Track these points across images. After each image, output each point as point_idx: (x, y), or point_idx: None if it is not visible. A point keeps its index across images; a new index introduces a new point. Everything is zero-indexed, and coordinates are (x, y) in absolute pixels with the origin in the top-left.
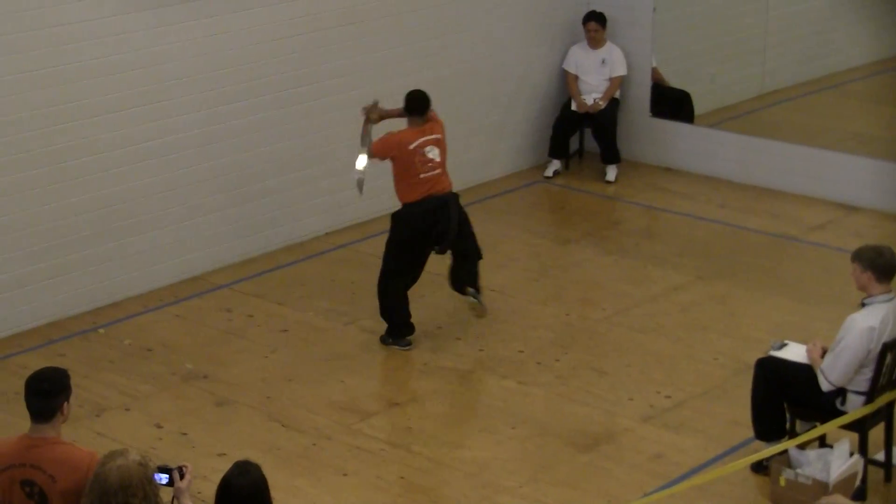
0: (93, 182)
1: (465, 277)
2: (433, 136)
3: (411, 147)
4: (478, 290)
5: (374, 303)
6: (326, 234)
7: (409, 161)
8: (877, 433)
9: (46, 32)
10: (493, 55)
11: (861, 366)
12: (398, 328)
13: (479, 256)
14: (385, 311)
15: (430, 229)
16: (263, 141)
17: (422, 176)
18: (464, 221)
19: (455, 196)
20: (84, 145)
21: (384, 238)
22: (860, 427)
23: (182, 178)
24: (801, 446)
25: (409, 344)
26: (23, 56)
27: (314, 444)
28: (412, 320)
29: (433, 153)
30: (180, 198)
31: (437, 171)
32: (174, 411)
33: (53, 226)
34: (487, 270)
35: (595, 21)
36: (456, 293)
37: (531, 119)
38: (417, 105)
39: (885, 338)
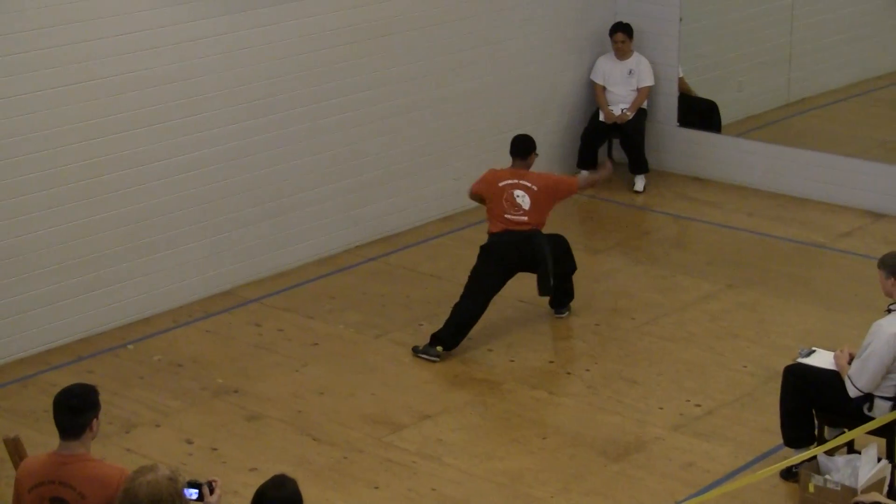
0: (124, 197)
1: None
2: (525, 183)
3: (501, 185)
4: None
5: (405, 315)
6: (356, 247)
7: (497, 197)
8: None
9: (81, 47)
10: (521, 67)
11: (888, 371)
12: (440, 335)
13: (573, 269)
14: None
15: (510, 261)
16: (294, 154)
17: (506, 216)
18: (554, 247)
19: (538, 232)
20: (117, 160)
21: (413, 250)
22: (888, 432)
23: (212, 193)
24: (830, 452)
25: (437, 356)
26: (57, 71)
27: (345, 458)
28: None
29: (522, 199)
30: (210, 212)
31: (524, 218)
32: (204, 426)
33: (84, 241)
34: (518, 281)
35: (622, 32)
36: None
37: (560, 130)
38: (514, 148)
39: None
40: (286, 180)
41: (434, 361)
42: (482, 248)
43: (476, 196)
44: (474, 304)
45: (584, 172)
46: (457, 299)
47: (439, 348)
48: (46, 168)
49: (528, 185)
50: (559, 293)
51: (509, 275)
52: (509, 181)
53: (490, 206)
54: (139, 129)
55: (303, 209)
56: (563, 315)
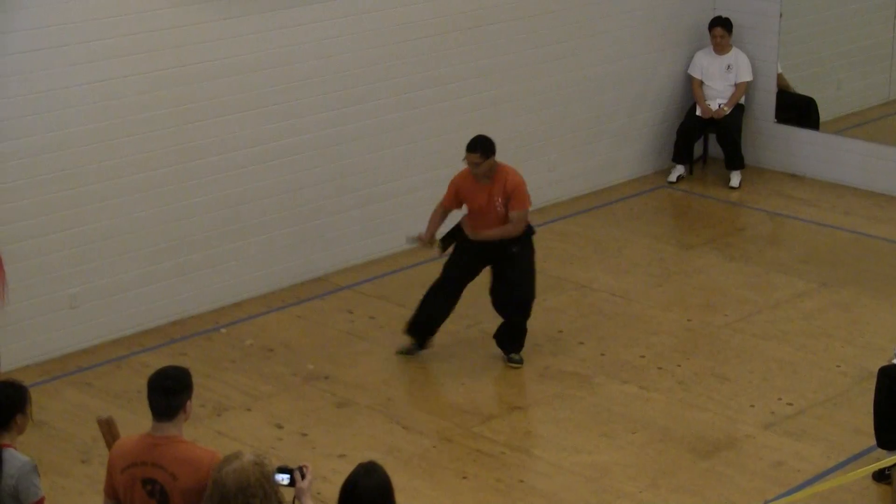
0: (218, 181)
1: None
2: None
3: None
4: (518, 354)
5: None
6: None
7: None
8: None
9: (175, 32)
10: (618, 60)
11: None
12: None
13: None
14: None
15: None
16: (388, 143)
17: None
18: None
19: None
20: (211, 144)
21: None
22: None
23: (307, 179)
24: None
25: (518, 362)
26: (151, 55)
27: (434, 447)
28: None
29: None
30: (304, 198)
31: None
32: (295, 412)
33: (178, 224)
34: (611, 275)
35: (721, 27)
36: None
37: (655, 124)
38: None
39: None
40: (380, 168)
41: (517, 367)
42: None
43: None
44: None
45: (679, 166)
46: (545, 291)
47: (517, 354)
48: (141, 152)
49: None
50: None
51: (481, 264)
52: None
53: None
54: (233, 115)
55: (395, 198)
56: (516, 365)
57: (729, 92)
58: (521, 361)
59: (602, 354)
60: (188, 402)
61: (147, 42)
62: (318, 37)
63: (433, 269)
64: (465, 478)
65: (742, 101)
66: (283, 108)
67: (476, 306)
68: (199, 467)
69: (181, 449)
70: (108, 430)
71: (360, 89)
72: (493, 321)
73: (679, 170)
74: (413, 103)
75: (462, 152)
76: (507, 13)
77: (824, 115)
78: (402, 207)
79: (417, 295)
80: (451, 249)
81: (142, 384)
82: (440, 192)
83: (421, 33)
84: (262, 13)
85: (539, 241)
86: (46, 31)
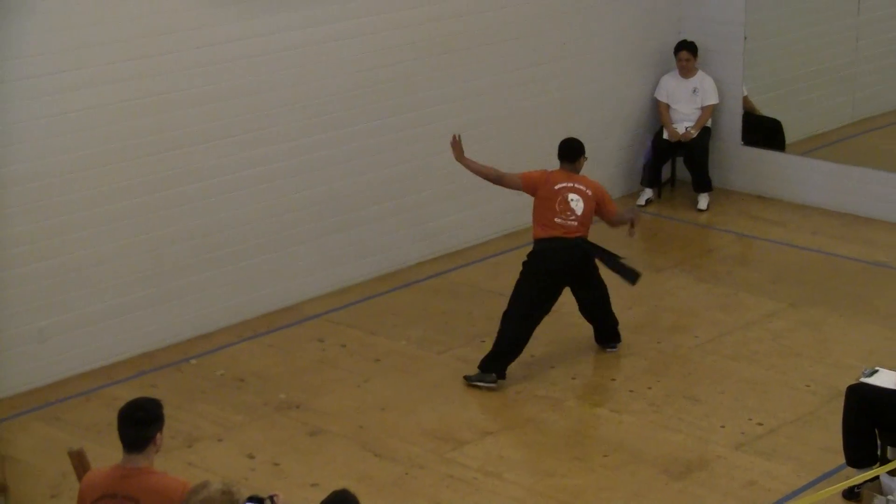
0: (188, 212)
1: (603, 335)
2: (580, 187)
3: (556, 187)
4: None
5: (468, 331)
6: (419, 263)
7: (550, 200)
8: None
9: (148, 62)
10: (586, 85)
11: None
12: (489, 358)
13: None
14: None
15: (559, 272)
16: (357, 170)
17: (557, 220)
18: (592, 268)
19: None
20: (180, 175)
21: (476, 267)
22: None
23: (276, 208)
24: (893, 473)
25: (493, 382)
26: (122, 85)
27: (407, 473)
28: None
29: (576, 204)
30: (274, 227)
31: (574, 223)
32: (267, 441)
33: (148, 256)
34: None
35: (687, 50)
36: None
37: (624, 148)
38: (563, 151)
39: None
40: (349, 196)
41: (491, 388)
42: (527, 259)
43: (523, 185)
44: (520, 328)
45: (648, 190)
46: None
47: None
48: (110, 183)
49: (584, 188)
50: (605, 328)
51: (559, 289)
52: (564, 184)
53: (539, 209)
54: (204, 144)
55: (366, 225)
56: (614, 350)
57: (695, 115)
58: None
59: (573, 378)
60: (158, 434)
61: (118, 72)
62: (290, 64)
63: (404, 296)
64: None
65: (709, 123)
66: (254, 137)
67: (447, 333)
68: (169, 497)
69: (152, 480)
70: (79, 461)
71: (332, 117)
72: (467, 347)
73: (648, 193)
74: (384, 130)
75: (434, 177)
76: (477, 39)
77: (790, 136)
78: (373, 235)
79: (389, 322)
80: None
81: (112, 417)
82: (412, 217)
83: (393, 59)
84: (234, 42)
85: (509, 266)
86: (17, 63)
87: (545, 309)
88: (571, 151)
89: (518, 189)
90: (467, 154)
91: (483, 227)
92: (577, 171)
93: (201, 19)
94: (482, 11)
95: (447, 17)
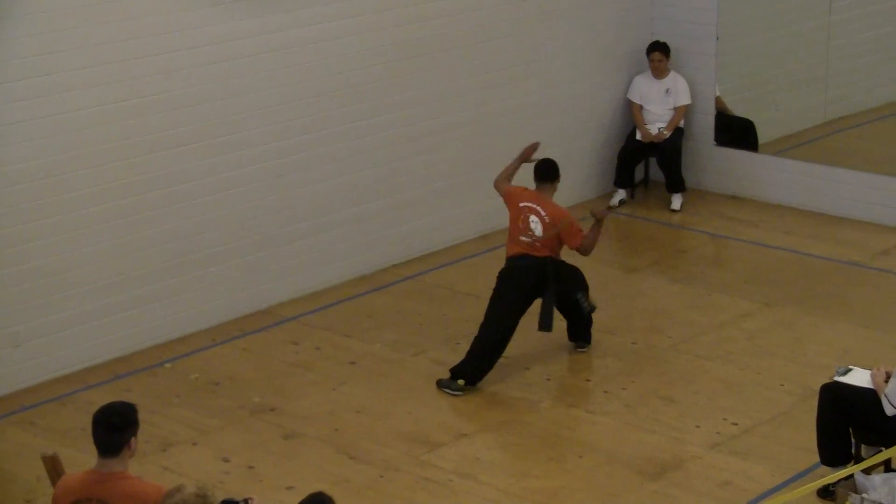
0: (161, 216)
1: (574, 331)
2: (539, 210)
3: (521, 205)
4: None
5: (442, 333)
6: (393, 265)
7: (515, 216)
8: None
9: (124, 65)
10: (559, 86)
11: None
12: (461, 369)
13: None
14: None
15: (526, 286)
16: (331, 173)
17: (522, 238)
18: (562, 278)
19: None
20: (153, 179)
21: (450, 269)
22: None
23: (249, 211)
24: (867, 471)
25: (460, 391)
26: (100, 89)
27: (382, 476)
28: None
29: (535, 226)
30: (248, 230)
31: (538, 244)
32: (242, 445)
33: (122, 260)
34: None
35: (659, 51)
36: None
37: (597, 149)
38: (539, 172)
39: None
40: (323, 199)
41: (457, 396)
42: (500, 272)
43: (503, 195)
44: (494, 334)
45: (621, 191)
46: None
47: (461, 382)
48: (84, 188)
49: (542, 213)
50: (576, 326)
51: (528, 301)
52: (527, 203)
53: (510, 224)
54: (177, 148)
55: (340, 228)
56: (583, 350)
57: (668, 116)
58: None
59: (548, 379)
60: (133, 439)
61: (92, 76)
62: (263, 68)
63: (378, 299)
64: None
65: (681, 124)
66: (227, 141)
67: (421, 335)
68: (144, 502)
69: (126, 484)
70: (53, 466)
71: (304, 120)
72: (442, 350)
73: (621, 194)
74: (357, 133)
75: (407, 179)
76: (448, 42)
77: (763, 136)
78: (347, 238)
79: (364, 325)
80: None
81: (86, 422)
82: (385, 222)
83: (364, 63)
84: (207, 46)
85: (483, 269)
86: None
87: (518, 319)
88: (550, 172)
89: (501, 184)
90: (438, 157)
91: (457, 229)
92: (551, 193)
93: (174, 24)
94: (455, 14)
95: (420, 20)
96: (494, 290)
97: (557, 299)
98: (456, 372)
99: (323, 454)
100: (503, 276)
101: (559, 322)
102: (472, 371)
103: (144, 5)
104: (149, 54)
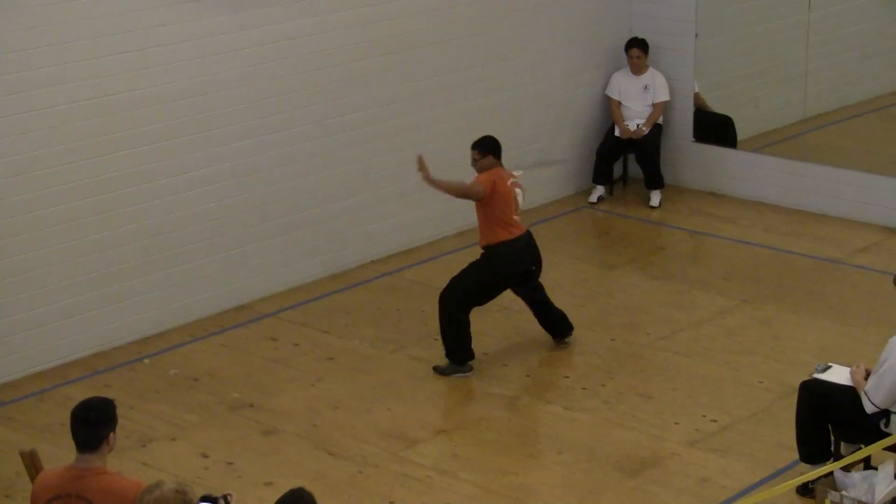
0: (139, 212)
1: (557, 329)
2: (516, 180)
3: (509, 183)
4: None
5: (421, 329)
6: (371, 262)
7: (507, 198)
8: None
9: (94, 63)
10: (536, 82)
11: None
12: (463, 354)
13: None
14: (451, 339)
15: (528, 269)
16: (308, 170)
17: (515, 218)
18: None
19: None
20: (130, 176)
21: (428, 265)
22: None
23: (227, 208)
24: (846, 468)
25: (471, 369)
26: (68, 87)
27: (360, 472)
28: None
29: (520, 198)
30: (226, 227)
31: (519, 217)
32: (220, 441)
33: (99, 256)
34: None
35: (637, 47)
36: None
37: (575, 145)
38: (496, 147)
39: None
40: (301, 195)
41: (469, 375)
42: (498, 262)
43: (487, 190)
44: (466, 315)
45: (600, 187)
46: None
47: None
48: (61, 184)
49: (518, 181)
50: (559, 317)
51: (515, 282)
52: (511, 180)
53: (497, 209)
54: (153, 145)
55: (318, 224)
56: (566, 342)
57: (647, 112)
58: (440, 371)
59: (527, 375)
60: (112, 434)
61: (63, 74)
62: (235, 65)
63: (356, 295)
64: (392, 502)
65: (660, 120)
66: (202, 138)
67: (400, 331)
68: (123, 498)
69: (105, 480)
70: (31, 462)
71: (279, 117)
72: (420, 346)
73: (599, 190)
74: (332, 129)
75: (384, 176)
76: (425, 38)
77: (742, 133)
78: (324, 234)
79: (342, 321)
80: None
81: (65, 417)
82: (362, 217)
83: (338, 60)
84: (178, 43)
85: (461, 265)
86: None
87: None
88: (499, 146)
89: (481, 197)
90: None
91: (434, 225)
92: None
93: (143, 22)
94: (431, 11)
95: (393, 17)
96: (489, 273)
97: (538, 302)
98: (458, 360)
99: (301, 450)
100: (506, 261)
101: (534, 321)
102: (468, 353)
103: (114, 3)
104: (119, 52)
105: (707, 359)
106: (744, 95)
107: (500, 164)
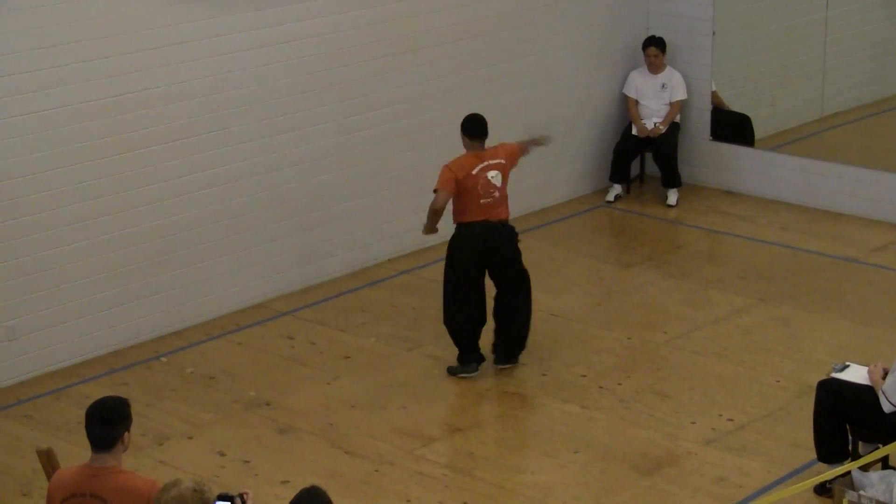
0: (155, 210)
1: (506, 349)
2: (494, 161)
3: (474, 172)
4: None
5: (437, 328)
6: (388, 260)
7: (472, 188)
8: None
9: (109, 62)
10: (553, 81)
11: None
12: (464, 355)
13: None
14: (453, 340)
15: (485, 251)
16: (324, 168)
17: (481, 202)
18: (516, 257)
19: (510, 227)
20: (146, 174)
21: (444, 264)
22: None
23: (244, 206)
24: (864, 468)
25: (476, 370)
26: (85, 86)
27: (377, 471)
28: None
29: (496, 178)
30: (242, 225)
31: (498, 195)
32: (237, 439)
33: (116, 255)
34: (551, 295)
35: (655, 46)
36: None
37: (592, 144)
38: (480, 128)
39: None
40: (317, 194)
41: (473, 376)
42: (454, 244)
43: (451, 193)
44: (475, 306)
45: (617, 186)
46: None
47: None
48: (77, 182)
49: (499, 160)
50: (510, 340)
51: (485, 269)
52: (480, 166)
53: (462, 199)
54: (169, 144)
55: (334, 223)
56: (506, 366)
57: (664, 111)
58: (450, 371)
59: (543, 374)
60: (126, 433)
61: (79, 73)
62: (250, 64)
63: (372, 293)
64: (408, 501)
65: (677, 119)
66: (217, 136)
67: (416, 330)
68: (138, 497)
69: (120, 479)
70: (48, 461)
71: (295, 115)
72: (436, 344)
73: (616, 189)
74: (348, 128)
75: (399, 175)
76: (441, 37)
77: (759, 131)
78: (340, 232)
79: (358, 319)
80: None
81: (82, 415)
82: (378, 216)
83: (354, 59)
84: (193, 41)
85: None
86: None
87: (481, 287)
88: (485, 126)
89: (448, 200)
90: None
91: (450, 224)
92: (484, 145)
93: (159, 20)
94: (445, 9)
95: (412, 15)
96: (454, 264)
97: (504, 297)
98: (467, 357)
99: (317, 448)
100: (461, 242)
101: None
102: (476, 352)
103: (129, 1)
104: (132, 51)
105: (723, 358)
106: (761, 94)
107: (477, 142)
